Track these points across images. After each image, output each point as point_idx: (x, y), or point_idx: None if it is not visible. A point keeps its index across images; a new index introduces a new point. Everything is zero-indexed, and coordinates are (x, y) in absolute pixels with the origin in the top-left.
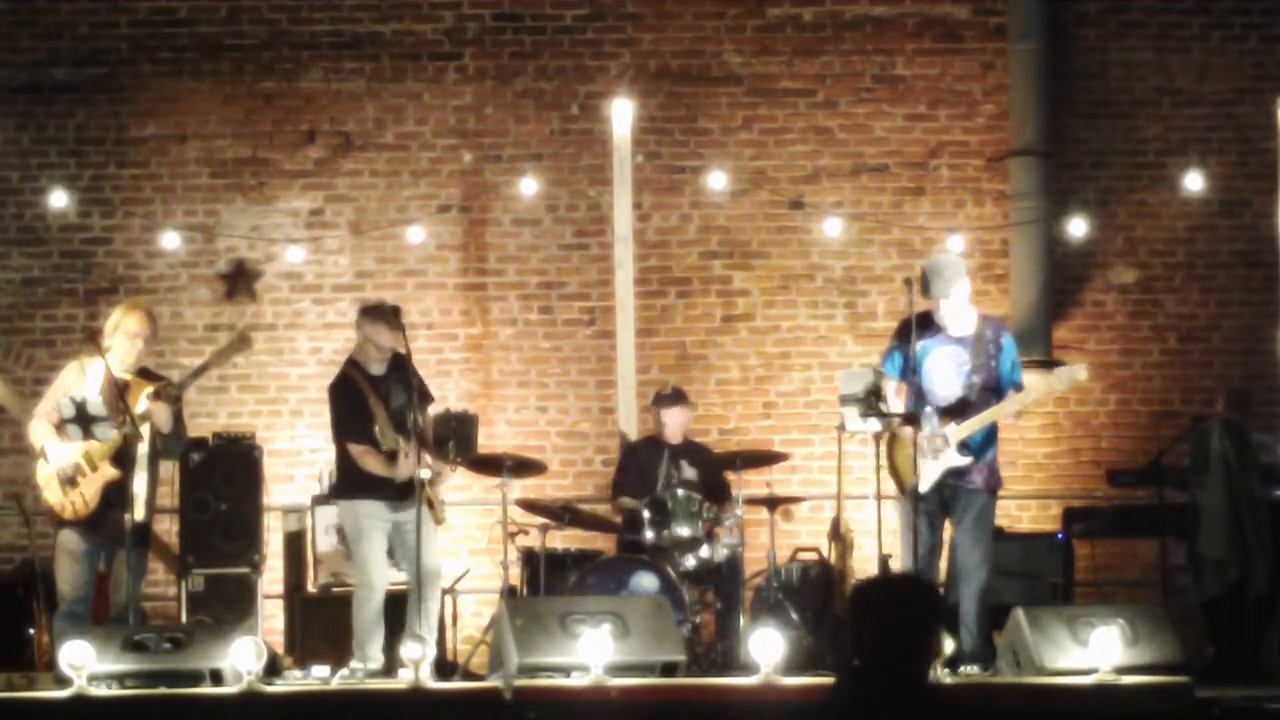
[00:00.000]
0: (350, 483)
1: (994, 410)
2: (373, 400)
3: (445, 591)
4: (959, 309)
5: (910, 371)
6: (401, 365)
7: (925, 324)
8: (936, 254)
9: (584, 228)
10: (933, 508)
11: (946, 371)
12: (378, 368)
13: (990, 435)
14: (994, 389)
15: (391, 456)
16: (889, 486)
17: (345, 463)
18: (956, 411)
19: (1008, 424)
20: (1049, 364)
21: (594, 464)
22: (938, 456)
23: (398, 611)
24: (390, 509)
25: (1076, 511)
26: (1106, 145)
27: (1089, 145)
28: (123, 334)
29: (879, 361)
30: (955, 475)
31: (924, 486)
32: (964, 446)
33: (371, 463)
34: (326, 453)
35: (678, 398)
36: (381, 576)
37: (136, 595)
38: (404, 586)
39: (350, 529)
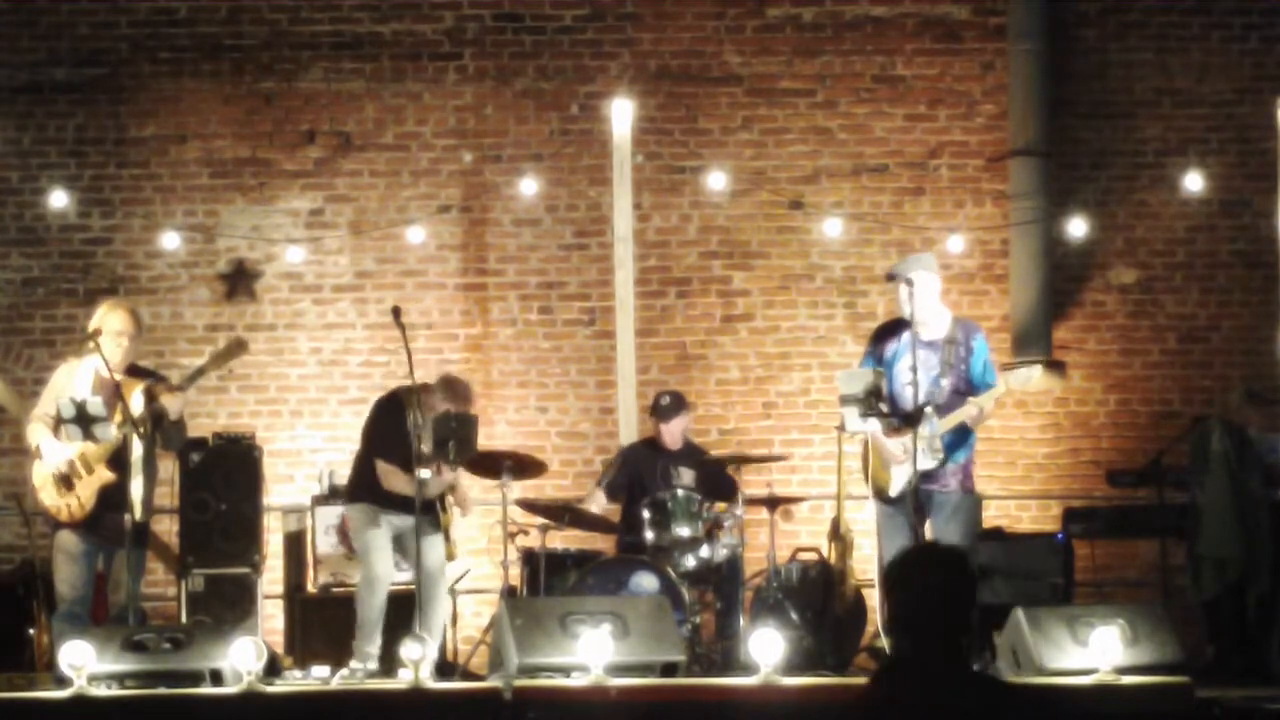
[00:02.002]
0: (362, 488)
1: (958, 413)
2: (413, 427)
3: (445, 595)
4: (927, 308)
5: (912, 371)
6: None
7: (899, 329)
8: (940, 254)
9: (584, 228)
10: (909, 512)
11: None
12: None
13: (962, 438)
14: (965, 391)
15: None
16: None
17: (368, 472)
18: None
19: (1010, 426)
20: (1054, 365)
21: (594, 464)
22: (905, 461)
23: (402, 612)
24: (400, 517)
25: (1076, 511)
26: (1106, 145)
27: (1089, 145)
28: (107, 333)
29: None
30: (928, 479)
31: (895, 490)
32: (934, 447)
33: (396, 482)
34: (327, 453)
35: (677, 408)
36: (386, 571)
37: (136, 595)
38: (407, 587)
39: (356, 529)
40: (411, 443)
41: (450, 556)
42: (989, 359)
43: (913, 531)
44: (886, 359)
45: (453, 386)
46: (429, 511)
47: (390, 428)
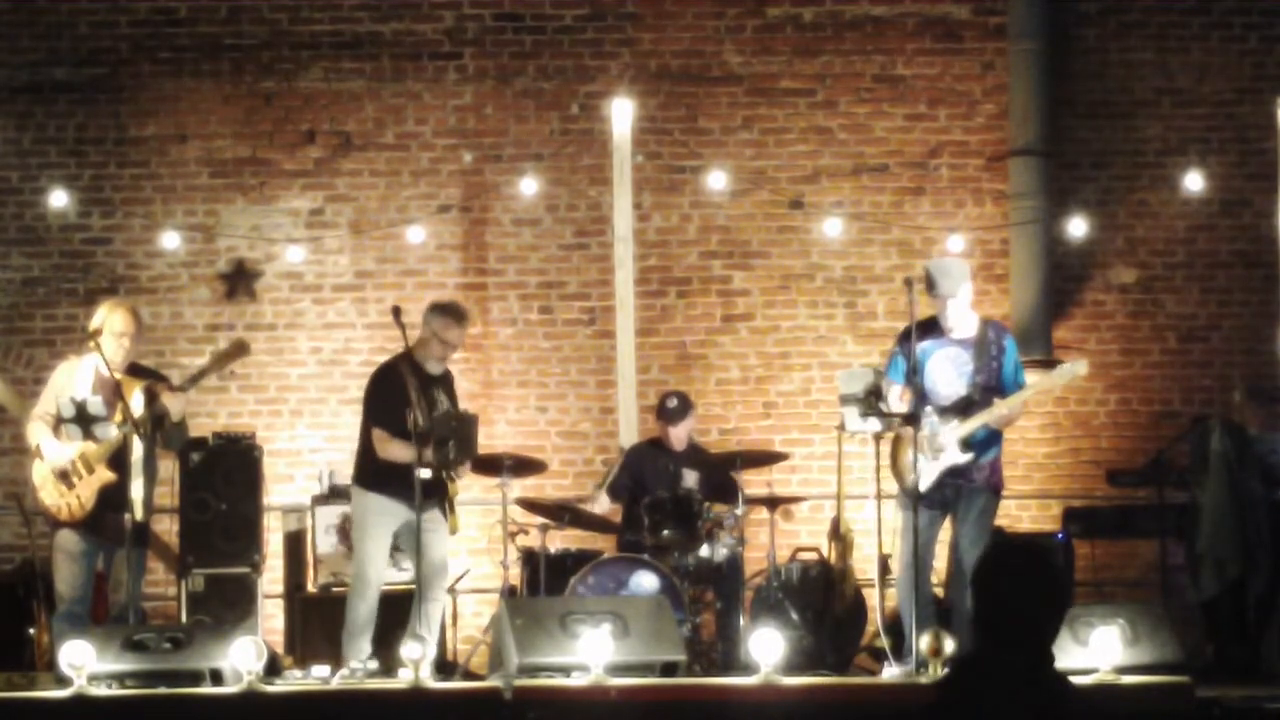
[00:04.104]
0: (370, 472)
1: (996, 407)
2: (414, 394)
3: (445, 591)
4: (962, 311)
5: (912, 372)
6: (449, 379)
7: (927, 328)
8: (941, 255)
9: (584, 228)
10: (934, 506)
11: (948, 372)
12: (434, 367)
13: (993, 435)
14: (996, 390)
15: (421, 440)
16: (889, 486)
17: (369, 450)
18: (960, 410)
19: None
20: (1054, 364)
21: (594, 464)
22: (938, 455)
23: (400, 611)
24: (406, 508)
25: (1076, 511)
26: (1106, 145)
27: (1089, 145)
28: (108, 333)
29: (883, 365)
30: (957, 474)
31: (924, 485)
32: (966, 445)
33: (395, 449)
34: (327, 453)
35: (684, 411)
36: (379, 575)
37: (136, 595)
38: (406, 586)
39: (358, 520)
40: (409, 411)
41: (453, 529)
42: (1019, 359)
43: (932, 525)
44: (918, 358)
45: (446, 308)
46: (436, 494)
47: (386, 395)
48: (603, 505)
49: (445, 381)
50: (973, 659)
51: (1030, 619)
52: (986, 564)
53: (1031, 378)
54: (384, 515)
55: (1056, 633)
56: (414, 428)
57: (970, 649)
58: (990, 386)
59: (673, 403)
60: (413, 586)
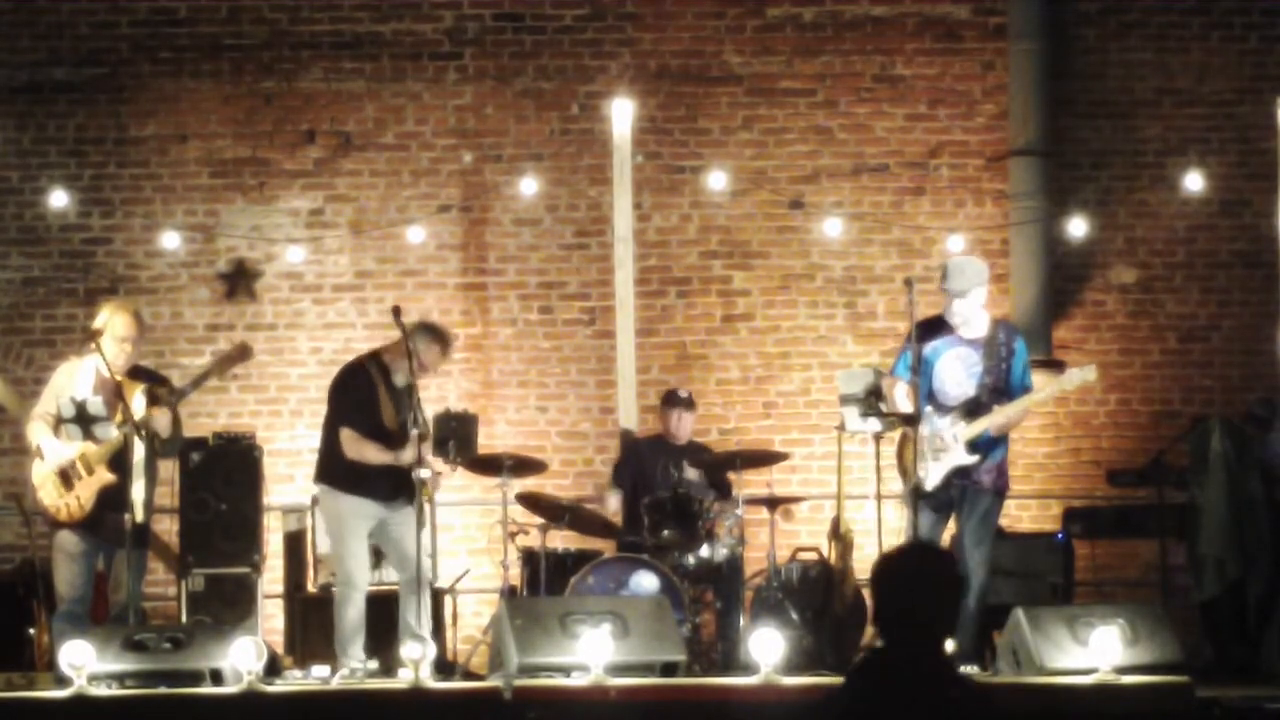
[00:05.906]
0: (338, 472)
1: (1004, 410)
2: (383, 395)
3: (445, 591)
4: (973, 311)
5: (913, 371)
6: (411, 390)
7: (938, 326)
8: (942, 255)
9: (584, 228)
10: (939, 505)
11: (957, 372)
12: (400, 379)
13: (1000, 436)
14: (1004, 391)
15: (395, 441)
16: (888, 486)
17: (335, 450)
18: (968, 411)
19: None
20: (1054, 364)
21: (594, 464)
22: (940, 456)
23: (391, 611)
24: (379, 507)
25: (1076, 511)
26: (1106, 145)
27: (1089, 145)
28: (110, 337)
29: (888, 364)
30: (963, 475)
31: (930, 484)
32: (972, 446)
33: (368, 450)
34: None
35: (691, 401)
36: (364, 575)
37: (136, 595)
38: (389, 587)
39: (332, 523)
40: (379, 412)
41: (420, 523)
42: (1028, 362)
43: (934, 525)
44: (926, 356)
45: (432, 330)
46: (404, 492)
47: (354, 394)
48: (612, 505)
49: (410, 390)
50: (877, 654)
51: (921, 616)
52: (881, 564)
53: (1039, 380)
54: (358, 517)
55: (950, 630)
56: (413, 424)
57: (878, 645)
58: (998, 388)
59: (684, 394)
60: (396, 587)
